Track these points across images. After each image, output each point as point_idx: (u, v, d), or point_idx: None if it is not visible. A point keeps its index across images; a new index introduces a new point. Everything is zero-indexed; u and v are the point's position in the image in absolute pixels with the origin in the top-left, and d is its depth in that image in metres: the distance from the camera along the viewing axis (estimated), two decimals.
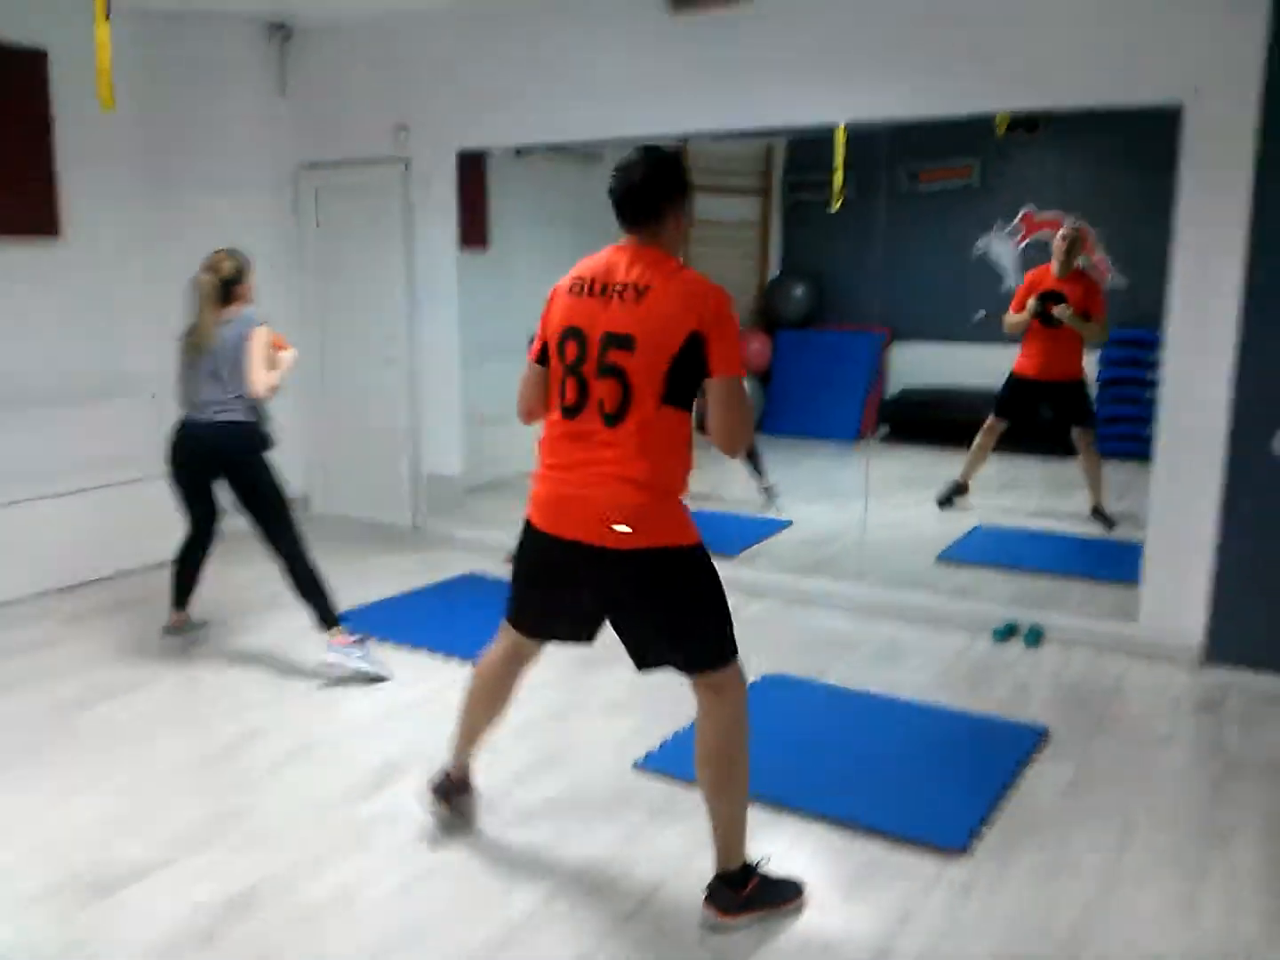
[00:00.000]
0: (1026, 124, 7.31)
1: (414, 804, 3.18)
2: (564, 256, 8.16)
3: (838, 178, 5.18)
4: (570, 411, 2.52)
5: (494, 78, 5.61)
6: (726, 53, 4.93)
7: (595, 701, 3.97)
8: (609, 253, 2.55)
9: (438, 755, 3.48)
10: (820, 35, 4.72)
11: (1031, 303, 5.78)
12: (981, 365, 7.99)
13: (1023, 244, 7.95)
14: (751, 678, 3.79)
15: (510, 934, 2.59)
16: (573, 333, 2.51)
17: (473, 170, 6.31)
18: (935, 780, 3.32)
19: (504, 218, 7.28)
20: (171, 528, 4.43)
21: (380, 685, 4.09)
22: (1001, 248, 8.00)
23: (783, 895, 2.68)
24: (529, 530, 2.68)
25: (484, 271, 6.97)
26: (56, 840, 3.01)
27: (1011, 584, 5.14)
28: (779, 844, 2.95)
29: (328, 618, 4.18)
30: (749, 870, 2.64)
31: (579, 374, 2.50)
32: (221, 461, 4.18)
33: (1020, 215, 7.93)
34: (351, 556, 5.87)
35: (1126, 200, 7.40)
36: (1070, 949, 2.53)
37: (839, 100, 4.76)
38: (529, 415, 2.75)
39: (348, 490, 6.56)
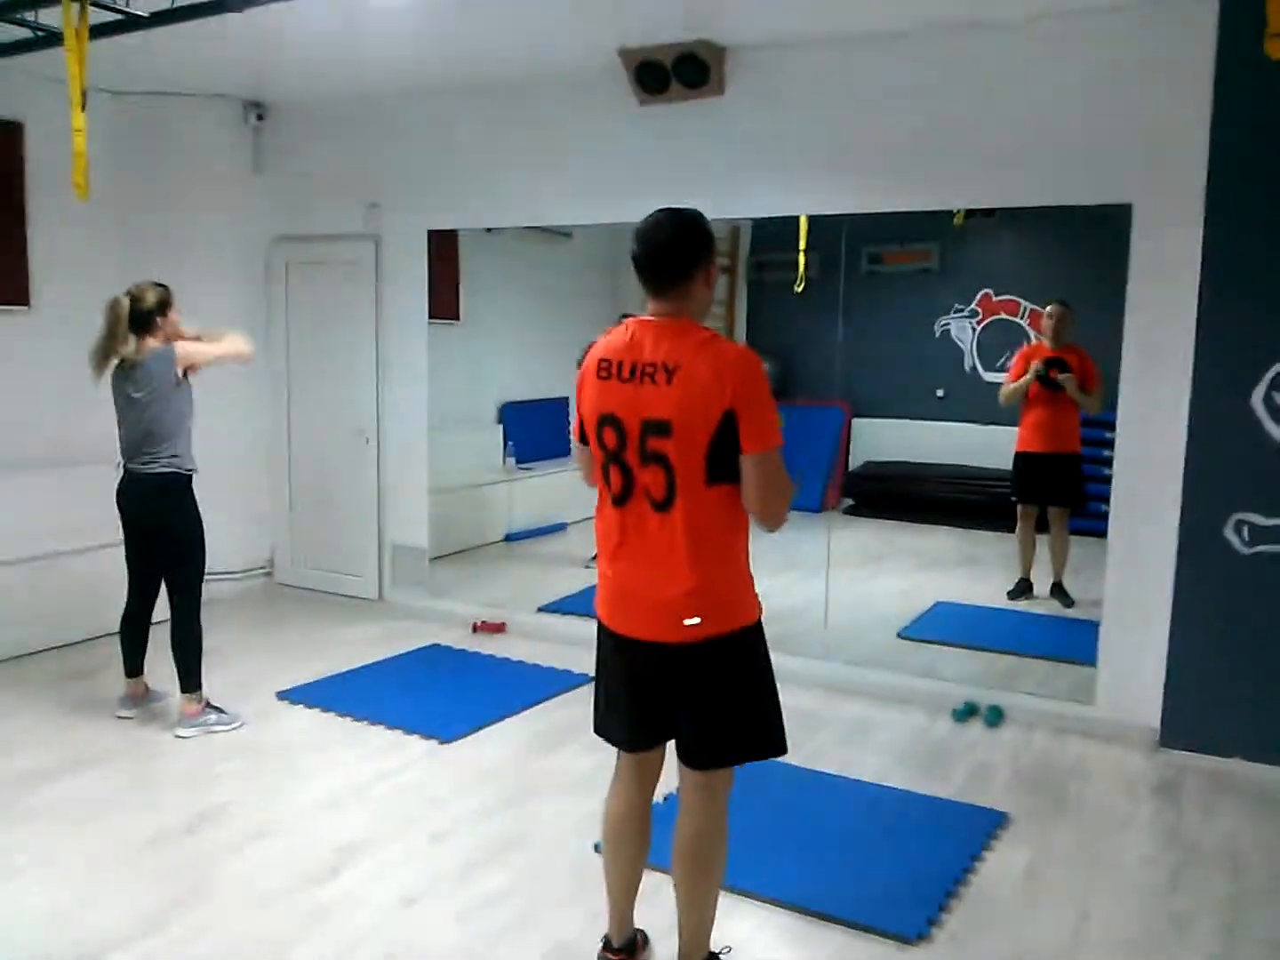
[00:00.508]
0: (984, 211, 7.53)
1: (371, 887, 3.15)
2: (533, 327, 8.31)
3: (801, 259, 5.31)
4: (619, 500, 2.44)
5: (464, 159, 5.72)
6: (692, 143, 5.06)
7: (558, 779, 3.95)
8: (633, 327, 2.43)
9: (393, 837, 3.47)
10: (784, 130, 4.86)
11: (1036, 364, 5.87)
12: (941, 442, 8.15)
13: (982, 325, 8.15)
14: None
15: None
16: (609, 420, 2.41)
17: (445, 244, 6.40)
18: (895, 865, 3.33)
19: (475, 290, 7.37)
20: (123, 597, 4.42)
21: (340, 763, 4.05)
22: (961, 328, 8.19)
23: None
24: (602, 631, 2.59)
25: (454, 342, 7.04)
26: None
27: (971, 662, 5.19)
28: (741, 931, 2.95)
29: (190, 683, 4.29)
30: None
31: (622, 462, 2.41)
32: (149, 513, 4.21)
33: (978, 297, 8.14)
34: (314, 626, 5.84)
35: (1081, 285, 7.61)
36: None
37: (800, 193, 4.90)
38: (591, 482, 2.63)
39: (312, 560, 6.53)
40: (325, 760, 4.08)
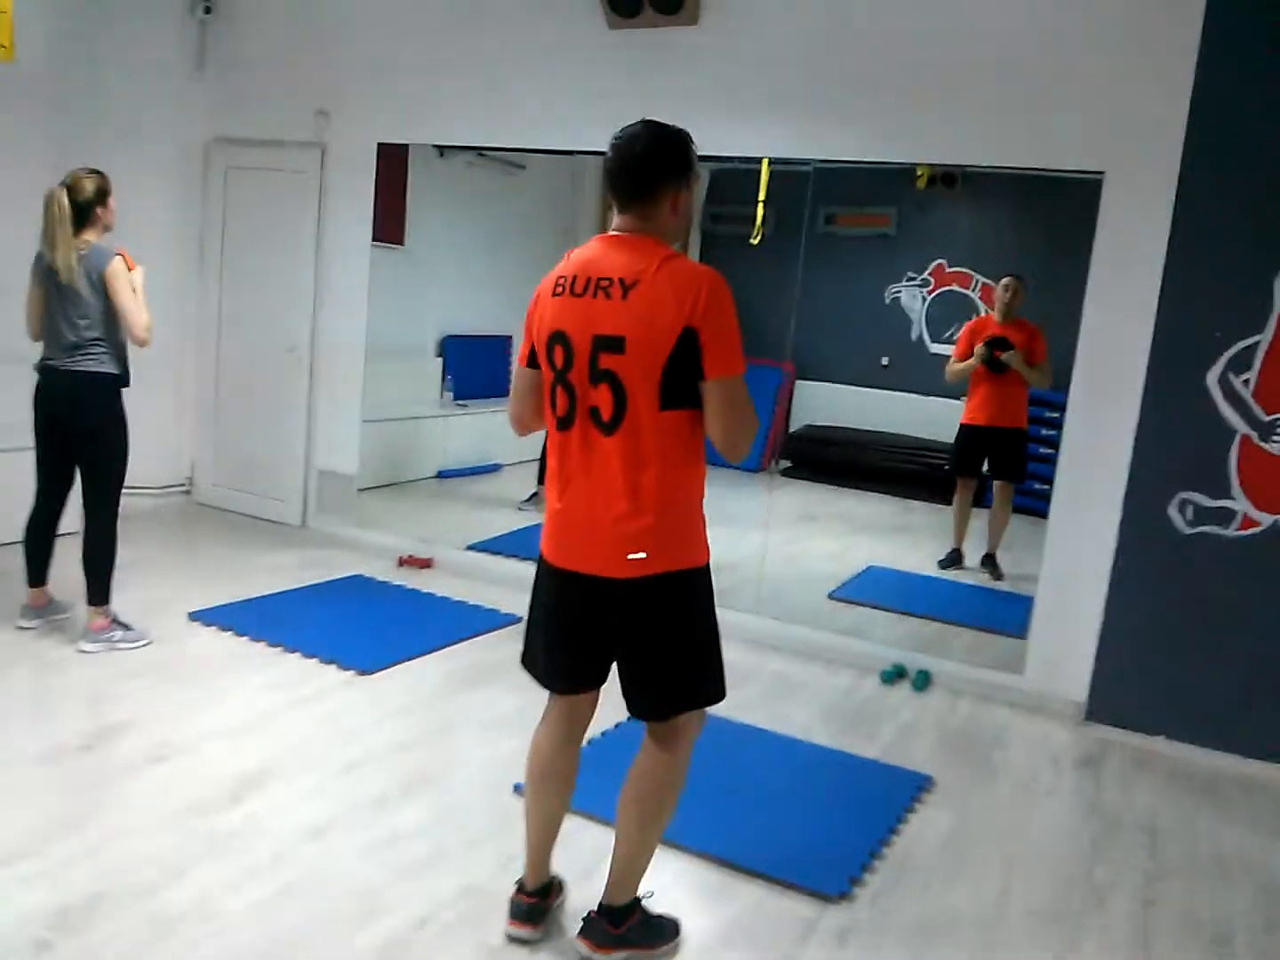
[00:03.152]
0: (946, 179, 7.47)
1: (276, 816, 3.01)
2: (481, 260, 8.10)
3: (759, 212, 5.18)
4: (563, 424, 2.30)
5: (421, 74, 5.48)
6: (660, 73, 4.89)
7: (479, 718, 3.84)
8: (595, 243, 2.30)
9: (303, 767, 3.33)
10: (757, 66, 4.71)
11: (979, 348, 5.82)
12: (884, 410, 8.13)
13: (932, 295, 8.11)
14: None
15: (374, 958, 2.45)
16: (559, 337, 2.27)
17: (394, 164, 6.16)
18: (819, 822, 3.28)
19: (422, 216, 7.14)
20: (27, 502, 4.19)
21: (251, 689, 3.89)
22: (911, 297, 8.15)
23: (659, 935, 2.57)
24: (540, 563, 2.44)
25: (397, 267, 6.82)
26: None
27: (900, 626, 5.17)
28: (660, 880, 2.86)
29: (99, 597, 4.09)
30: (631, 906, 2.53)
31: (566, 381, 2.27)
32: (76, 413, 3.97)
33: (931, 267, 8.09)
34: (232, 548, 5.63)
35: (1036, 262, 7.61)
36: None
37: (768, 134, 4.75)
38: (521, 424, 2.51)
39: (234, 480, 6.29)
40: (236, 684, 3.91)
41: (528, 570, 5.32)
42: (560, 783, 2.56)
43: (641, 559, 2.24)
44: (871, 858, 3.08)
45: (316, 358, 5.98)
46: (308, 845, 2.90)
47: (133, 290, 3.90)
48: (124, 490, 4.14)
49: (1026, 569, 4.73)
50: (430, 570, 5.57)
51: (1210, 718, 4.02)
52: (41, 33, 5.29)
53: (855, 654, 4.73)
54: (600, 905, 2.52)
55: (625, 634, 2.35)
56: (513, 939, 2.56)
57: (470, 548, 5.76)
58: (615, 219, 2.31)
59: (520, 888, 2.60)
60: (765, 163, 4.91)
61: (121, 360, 4.00)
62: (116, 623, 4.14)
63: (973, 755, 3.90)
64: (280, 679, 4.00)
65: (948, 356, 8.02)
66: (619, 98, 4.97)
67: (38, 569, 4.22)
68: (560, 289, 2.29)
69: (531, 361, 2.40)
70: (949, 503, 6.27)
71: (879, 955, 2.65)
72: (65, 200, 3.84)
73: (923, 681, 4.50)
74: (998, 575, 5.95)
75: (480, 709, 3.91)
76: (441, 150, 6.44)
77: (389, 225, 6.55)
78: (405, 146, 5.95)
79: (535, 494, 6.74)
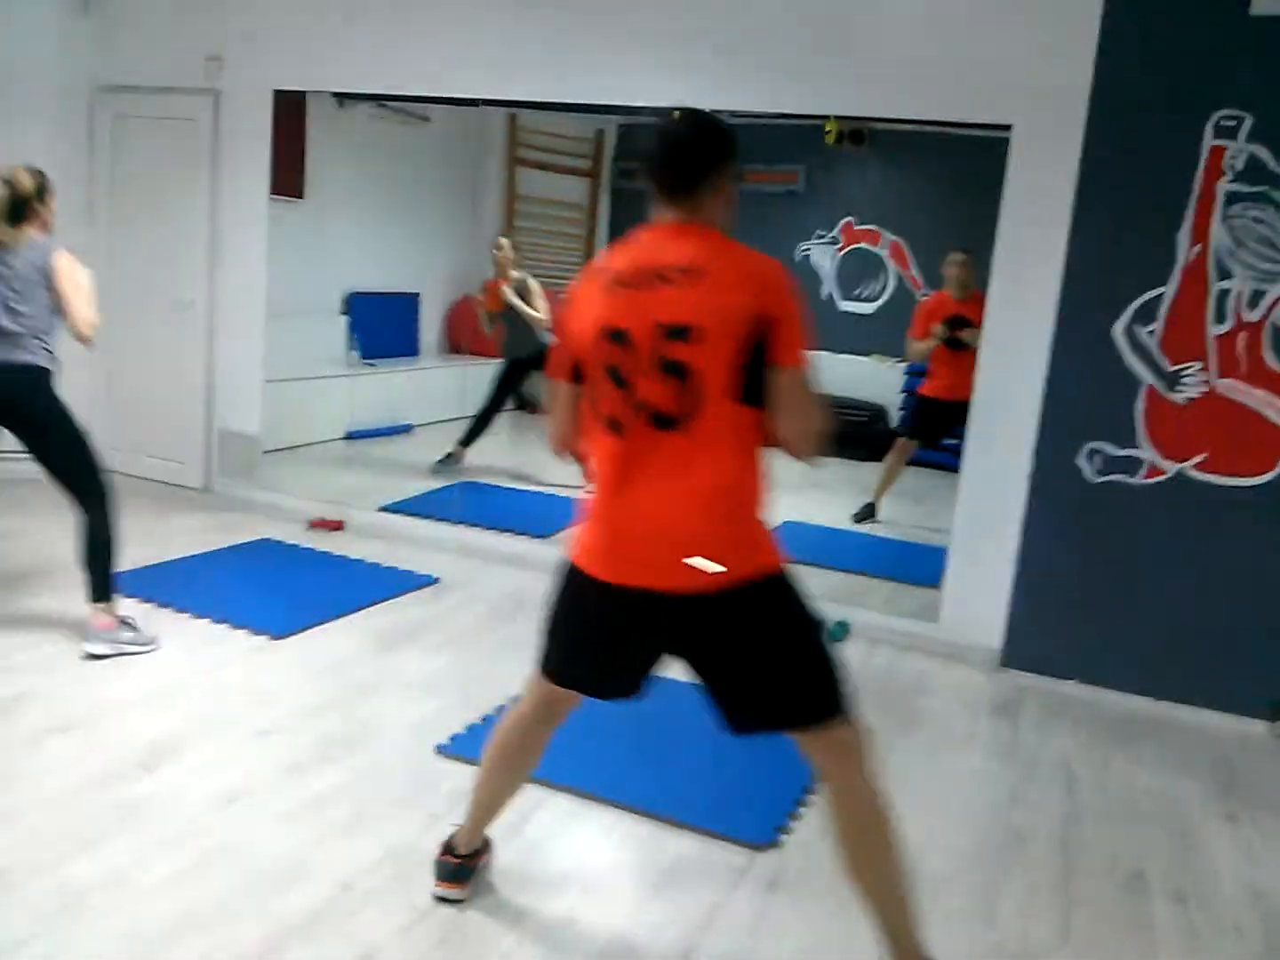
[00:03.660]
0: (854, 136, 7.48)
1: (188, 785, 2.91)
2: (385, 215, 7.89)
3: None
4: (617, 426, 2.09)
5: (318, 17, 5.25)
6: (564, 20, 4.77)
7: (397, 679, 3.76)
8: (645, 234, 2.15)
9: (214, 734, 3.23)
10: (662, 11, 4.62)
11: (938, 328, 5.80)
12: None
13: (842, 253, 8.15)
14: None
15: (291, 929, 2.37)
16: (611, 334, 2.08)
17: (293, 116, 5.94)
18: (744, 774, 3.27)
19: (324, 169, 6.92)
20: None
21: (156, 656, 3.75)
22: (821, 255, 8.18)
23: None
24: (575, 576, 2.20)
25: (299, 222, 6.60)
26: None
27: (818, 579, 5.14)
28: (589, 833, 2.84)
29: (103, 593, 3.76)
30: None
31: (621, 378, 2.07)
32: (12, 409, 3.71)
33: (841, 225, 8.12)
34: (132, 513, 5.35)
35: (943, 220, 7.68)
36: (875, 947, 2.51)
37: (671, 83, 4.61)
38: (564, 444, 2.30)
39: (130, 443, 6.03)
40: (141, 652, 3.77)
41: (442, 531, 5.28)
42: (529, 761, 2.47)
43: (721, 571, 2.04)
44: (797, 806, 3.10)
45: (215, 314, 5.76)
46: (222, 813, 2.81)
47: (80, 285, 3.70)
48: (8, 454, 3.90)
49: (941, 522, 4.79)
50: (341, 533, 5.43)
51: (1121, 661, 4.13)
52: None
53: None
54: None
55: (722, 649, 2.14)
56: (440, 899, 2.51)
57: (383, 509, 5.63)
58: (662, 212, 2.16)
59: (448, 849, 2.54)
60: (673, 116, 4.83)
61: (54, 354, 3.77)
62: (124, 622, 3.83)
63: (892, 704, 3.94)
64: (188, 645, 3.86)
65: (858, 315, 8.11)
66: (523, 45, 4.85)
67: None
68: (614, 282, 2.11)
69: (574, 375, 2.20)
70: (860, 459, 6.32)
71: (807, 900, 2.67)
72: (3, 194, 3.65)
73: (841, 632, 4.54)
74: (872, 518, 6.25)
75: (397, 671, 3.83)
76: (341, 100, 6.24)
77: (288, 178, 6.33)
78: (304, 96, 5.74)
79: (450, 454, 6.63)
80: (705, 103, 4.61)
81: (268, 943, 2.32)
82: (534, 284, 6.70)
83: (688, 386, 2.02)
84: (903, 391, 7.64)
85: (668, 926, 2.53)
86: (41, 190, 3.73)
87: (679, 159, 2.14)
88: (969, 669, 4.33)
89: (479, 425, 6.69)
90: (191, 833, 2.70)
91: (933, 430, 6.12)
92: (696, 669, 2.19)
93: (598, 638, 2.24)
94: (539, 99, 5.09)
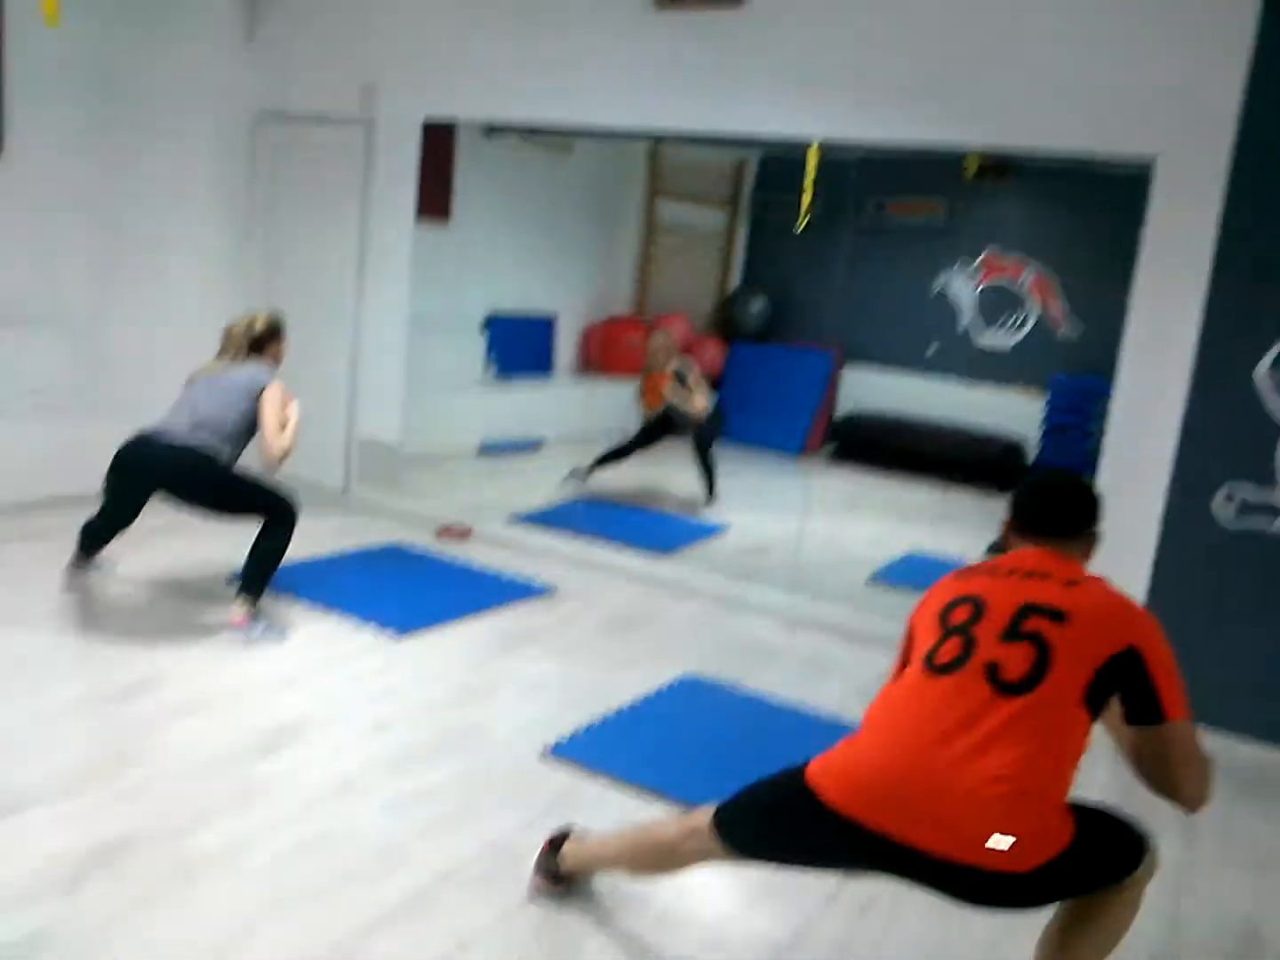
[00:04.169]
0: (995, 169, 7.38)
1: (306, 769, 3.05)
2: (524, 240, 8.10)
3: (806, 198, 5.14)
4: (944, 668, 1.99)
5: (469, 49, 5.46)
6: (707, 54, 4.85)
7: (510, 682, 3.86)
8: (1018, 550, 2.21)
9: (334, 723, 3.37)
10: (804, 47, 4.66)
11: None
12: (930, 398, 8.07)
13: (983, 285, 8.03)
14: (672, 676, 3.74)
15: (394, 911, 2.47)
16: (965, 600, 2.07)
17: (441, 142, 6.18)
18: None
19: (469, 195, 7.17)
20: (90, 459, 4.21)
21: (286, 646, 3.93)
22: (961, 287, 8.07)
23: None
24: (813, 803, 2.01)
25: (443, 245, 6.84)
26: None
27: None
28: None
29: (253, 589, 3.98)
30: None
31: (967, 633, 2.00)
32: (179, 490, 3.94)
33: (981, 258, 8.00)
34: None
35: (1085, 251, 7.52)
36: None
37: (814, 115, 4.68)
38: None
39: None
40: (272, 641, 3.95)
41: (563, 543, 5.39)
42: (658, 875, 2.49)
43: (1004, 850, 1.87)
44: None
45: (361, 329, 6.02)
46: (335, 799, 2.93)
47: (281, 415, 3.98)
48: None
49: None
50: (468, 541, 5.60)
51: (1251, 710, 3.94)
52: (88, 1, 5.34)
53: (892, 635, 4.66)
54: None
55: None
56: (535, 895, 2.57)
57: (510, 520, 5.78)
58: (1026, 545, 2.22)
59: (553, 846, 2.58)
60: (814, 147, 4.87)
61: (223, 449, 3.96)
62: (259, 617, 4.01)
63: None
64: (316, 637, 4.04)
65: (995, 350, 7.97)
66: (665, 77, 4.95)
67: (88, 550, 4.22)
68: (977, 571, 2.18)
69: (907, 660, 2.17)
70: (993, 491, 6.21)
71: (898, 926, 2.64)
72: (240, 331, 4.13)
73: None
74: None
75: (513, 674, 3.93)
76: (489, 131, 6.46)
77: (436, 202, 6.58)
78: (453, 126, 5.97)
79: (578, 469, 6.74)
80: (847, 134, 4.68)
81: (366, 926, 2.41)
82: (694, 372, 6.56)
83: (1043, 658, 1.93)
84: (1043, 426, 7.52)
85: (756, 940, 2.54)
86: (273, 331, 4.21)
87: (1065, 510, 2.22)
88: None
89: (613, 457, 6.75)
90: (303, 815, 2.83)
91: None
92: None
93: (808, 853, 2.13)
94: (681, 130, 5.17)
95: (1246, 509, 3.94)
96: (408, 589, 4.74)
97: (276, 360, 4.25)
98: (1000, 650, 1.95)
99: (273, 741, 3.20)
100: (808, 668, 4.35)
